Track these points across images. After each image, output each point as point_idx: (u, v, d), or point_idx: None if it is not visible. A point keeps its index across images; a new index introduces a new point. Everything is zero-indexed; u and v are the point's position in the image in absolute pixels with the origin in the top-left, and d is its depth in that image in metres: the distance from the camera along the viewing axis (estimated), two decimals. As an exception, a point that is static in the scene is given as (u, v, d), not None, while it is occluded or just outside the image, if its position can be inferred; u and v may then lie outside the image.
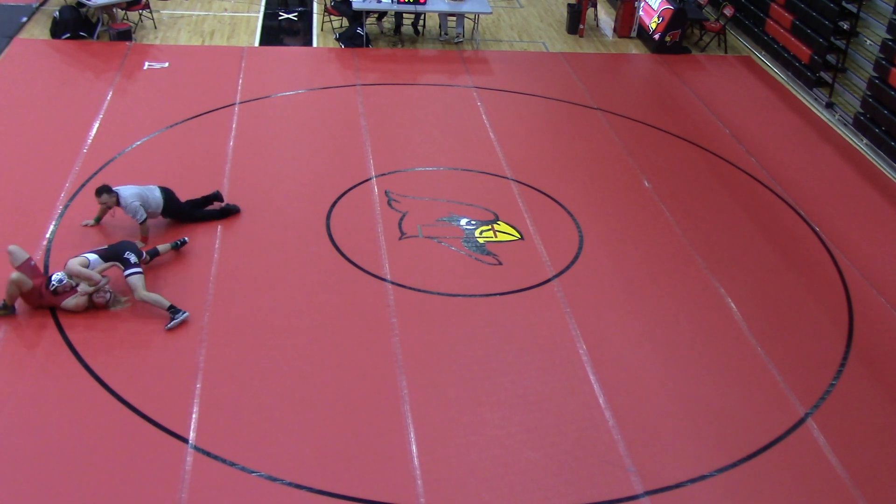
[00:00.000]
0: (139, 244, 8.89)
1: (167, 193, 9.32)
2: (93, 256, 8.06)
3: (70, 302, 7.87)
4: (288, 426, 7.09)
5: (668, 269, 9.64)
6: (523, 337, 8.35)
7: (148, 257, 8.55)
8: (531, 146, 12.15)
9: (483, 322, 8.50)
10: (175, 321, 7.95)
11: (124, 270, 8.07)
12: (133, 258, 8.12)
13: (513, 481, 6.78)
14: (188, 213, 9.53)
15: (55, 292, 7.85)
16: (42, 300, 7.90)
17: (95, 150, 10.89)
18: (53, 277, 7.89)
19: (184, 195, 9.67)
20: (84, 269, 7.91)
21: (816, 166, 12.48)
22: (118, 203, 8.95)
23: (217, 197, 9.78)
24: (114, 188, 8.96)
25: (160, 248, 8.81)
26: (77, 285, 7.88)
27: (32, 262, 7.98)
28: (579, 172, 11.53)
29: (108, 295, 8.05)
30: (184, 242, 9.04)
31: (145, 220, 9.02)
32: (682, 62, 15.89)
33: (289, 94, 13.07)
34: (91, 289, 7.91)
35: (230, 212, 9.76)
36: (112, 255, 8.14)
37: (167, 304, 8.03)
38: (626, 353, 8.28)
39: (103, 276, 8.01)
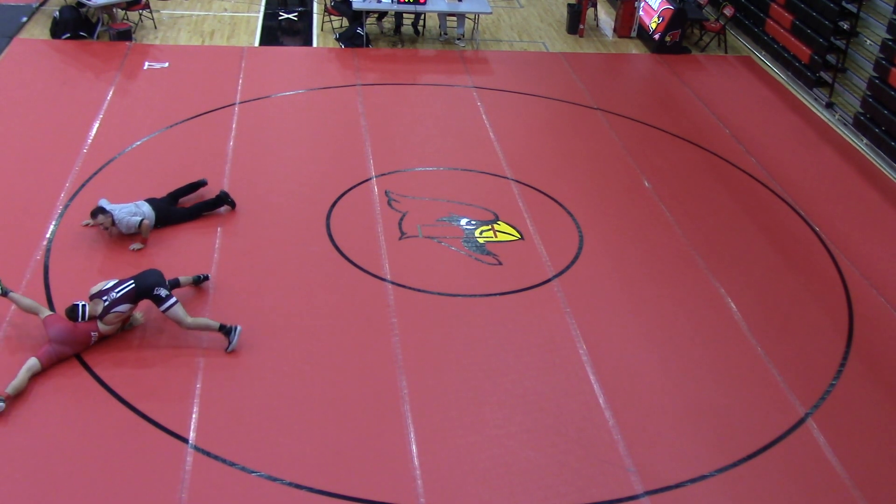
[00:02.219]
0: (138, 245, 8.95)
1: (156, 203, 9.32)
2: (124, 307, 7.57)
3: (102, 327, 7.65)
4: (288, 426, 7.09)
5: (668, 269, 9.64)
6: (523, 337, 8.35)
7: (169, 286, 8.05)
8: (531, 146, 12.15)
9: (483, 322, 8.50)
10: (234, 342, 7.73)
11: (159, 307, 7.63)
12: (164, 292, 7.62)
13: (513, 481, 6.78)
14: (182, 214, 9.49)
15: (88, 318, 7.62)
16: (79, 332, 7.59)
17: (95, 150, 10.89)
18: (86, 309, 7.56)
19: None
20: (119, 319, 7.66)
21: (816, 166, 12.48)
22: (114, 223, 8.90)
23: (202, 185, 9.86)
24: (106, 208, 8.91)
25: (181, 279, 8.39)
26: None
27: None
28: (579, 172, 11.53)
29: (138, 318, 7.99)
30: (206, 278, 8.63)
31: (141, 221, 8.95)
32: (682, 62, 15.89)
33: (289, 94, 13.07)
34: (111, 329, 7.71)
35: (223, 201, 9.70)
36: (141, 292, 7.62)
37: (216, 325, 7.76)
38: (626, 353, 8.28)
39: (135, 313, 7.92)
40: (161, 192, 9.73)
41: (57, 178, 10.22)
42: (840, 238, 10.58)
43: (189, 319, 7.69)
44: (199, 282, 8.56)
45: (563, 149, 12.15)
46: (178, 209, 9.55)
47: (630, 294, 9.16)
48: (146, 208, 9.20)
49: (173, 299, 7.65)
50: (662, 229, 10.38)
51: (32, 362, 7.21)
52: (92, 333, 7.56)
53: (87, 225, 9.19)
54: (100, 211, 8.87)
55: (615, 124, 13.05)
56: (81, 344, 7.53)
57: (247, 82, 13.24)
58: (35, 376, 7.23)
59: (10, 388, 7.00)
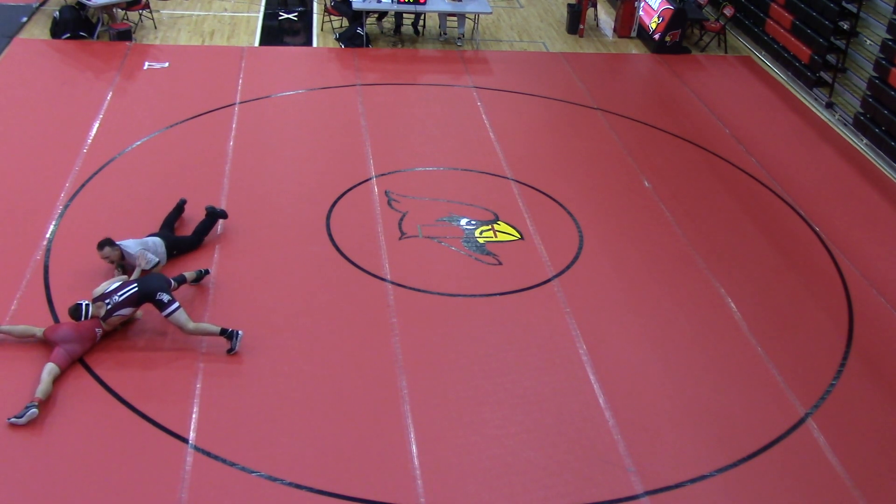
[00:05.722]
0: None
1: (162, 236, 8.87)
2: (127, 311, 7.62)
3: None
4: (288, 426, 7.09)
5: (668, 269, 9.64)
6: (523, 337, 8.35)
7: (176, 284, 8.04)
8: (531, 146, 12.15)
9: (483, 322, 8.50)
10: (236, 345, 7.71)
11: (161, 312, 7.62)
12: (166, 297, 7.58)
13: (513, 481, 6.78)
14: (189, 242, 9.07)
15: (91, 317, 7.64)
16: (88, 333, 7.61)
17: (95, 150, 10.89)
18: (89, 309, 7.59)
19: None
20: (121, 321, 7.71)
21: (816, 166, 12.48)
22: (122, 258, 8.38)
23: (181, 206, 9.45)
24: (116, 242, 8.38)
25: (186, 275, 8.37)
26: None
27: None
28: (579, 172, 11.53)
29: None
30: (207, 272, 8.68)
31: (157, 264, 8.44)
32: (682, 62, 15.89)
33: (289, 94, 13.07)
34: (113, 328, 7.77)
35: (215, 216, 9.36)
36: (144, 296, 7.63)
37: (217, 329, 7.74)
38: (626, 353, 8.28)
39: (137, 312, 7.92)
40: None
41: (57, 178, 10.22)
42: (840, 238, 10.58)
43: (191, 325, 7.68)
44: (200, 276, 8.58)
45: (563, 149, 12.15)
46: (183, 239, 9.07)
47: (630, 294, 9.16)
48: (156, 239, 8.73)
49: (175, 304, 7.64)
50: (662, 229, 10.38)
51: (51, 367, 7.21)
52: (96, 330, 7.59)
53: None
54: (107, 243, 8.35)
55: (615, 124, 13.05)
56: (88, 340, 7.55)
57: (247, 82, 13.24)
58: (56, 379, 7.23)
59: (40, 392, 7.01)
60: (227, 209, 9.81)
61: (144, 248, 8.52)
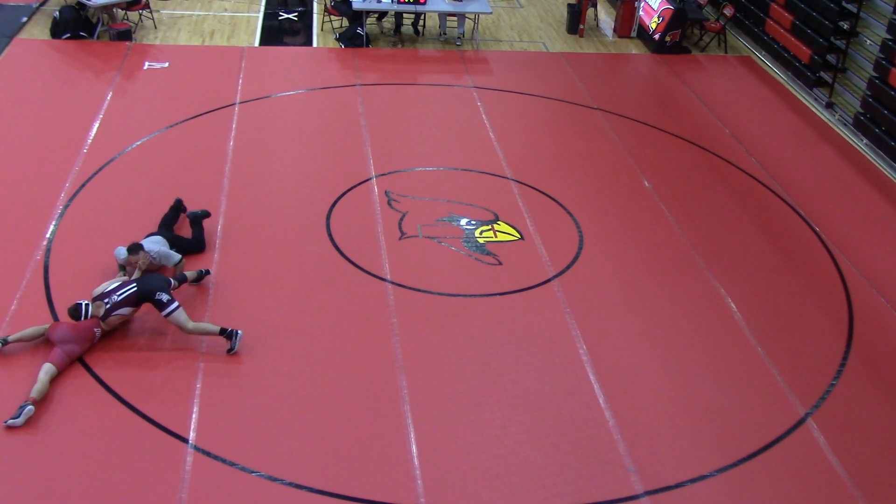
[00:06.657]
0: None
1: (162, 236, 8.79)
2: (126, 310, 7.63)
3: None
4: (288, 426, 7.09)
5: (668, 269, 9.64)
6: (523, 337, 8.35)
7: (176, 284, 8.06)
8: (531, 146, 12.15)
9: (483, 322, 8.50)
10: (235, 345, 7.70)
11: (161, 311, 7.61)
12: (165, 296, 7.57)
13: (513, 481, 6.78)
14: (189, 243, 9.02)
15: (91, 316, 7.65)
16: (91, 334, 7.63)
17: (95, 150, 10.89)
18: (89, 309, 7.60)
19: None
20: (120, 321, 7.72)
21: (816, 166, 12.48)
22: (150, 261, 8.29)
23: (180, 205, 9.43)
24: (144, 247, 8.26)
25: (187, 274, 8.40)
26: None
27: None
28: (579, 172, 11.53)
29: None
30: (208, 272, 8.69)
31: (182, 259, 8.47)
32: (682, 62, 15.89)
33: (289, 94, 13.07)
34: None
35: (200, 218, 9.29)
36: (143, 296, 7.63)
37: (217, 329, 7.74)
38: (626, 353, 8.28)
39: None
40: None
41: (57, 178, 10.22)
42: (840, 238, 10.58)
43: (190, 324, 7.68)
44: (201, 276, 8.59)
45: (563, 149, 12.15)
46: (183, 238, 9.03)
47: (630, 294, 9.16)
48: (158, 242, 8.60)
49: (175, 304, 7.64)
50: (662, 229, 10.38)
51: (48, 367, 7.21)
52: (95, 330, 7.59)
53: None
54: (140, 247, 8.23)
55: (615, 124, 13.04)
56: (87, 340, 7.55)
57: (247, 82, 13.24)
58: (53, 379, 7.24)
59: (35, 392, 7.01)
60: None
61: (162, 245, 8.52)
